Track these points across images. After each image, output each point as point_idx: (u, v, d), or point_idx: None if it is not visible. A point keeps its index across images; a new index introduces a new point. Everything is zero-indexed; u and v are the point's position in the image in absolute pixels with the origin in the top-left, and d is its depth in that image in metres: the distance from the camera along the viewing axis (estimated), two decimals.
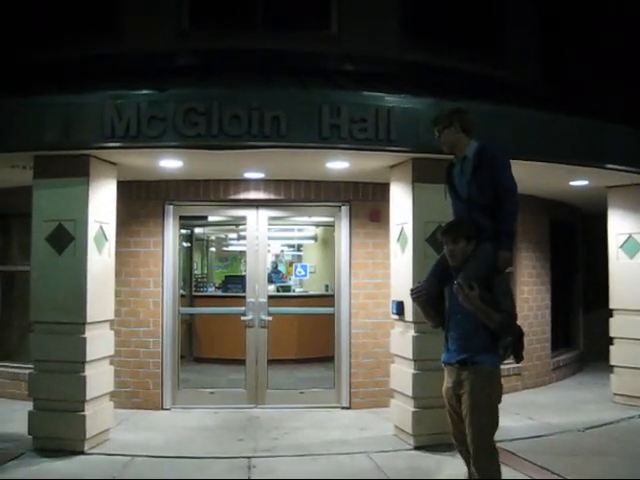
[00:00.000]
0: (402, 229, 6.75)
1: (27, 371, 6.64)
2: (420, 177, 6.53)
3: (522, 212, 9.03)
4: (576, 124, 7.14)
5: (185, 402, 8.03)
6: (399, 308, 6.67)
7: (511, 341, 4.26)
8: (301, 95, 6.38)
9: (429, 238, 6.47)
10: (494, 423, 4.26)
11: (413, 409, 6.41)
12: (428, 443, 6.31)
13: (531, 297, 9.49)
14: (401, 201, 6.81)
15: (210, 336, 10.86)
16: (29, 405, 6.36)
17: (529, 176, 7.53)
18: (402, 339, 6.69)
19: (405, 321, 6.62)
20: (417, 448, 6.31)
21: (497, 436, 4.23)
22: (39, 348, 6.33)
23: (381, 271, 7.94)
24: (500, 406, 4.27)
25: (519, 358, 4.39)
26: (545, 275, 9.85)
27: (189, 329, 10.90)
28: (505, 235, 4.41)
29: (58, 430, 6.19)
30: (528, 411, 7.78)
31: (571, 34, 10.41)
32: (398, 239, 6.85)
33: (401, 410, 6.66)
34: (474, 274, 4.24)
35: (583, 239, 11.67)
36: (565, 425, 7.15)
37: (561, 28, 10.20)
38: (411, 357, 6.46)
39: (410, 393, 6.44)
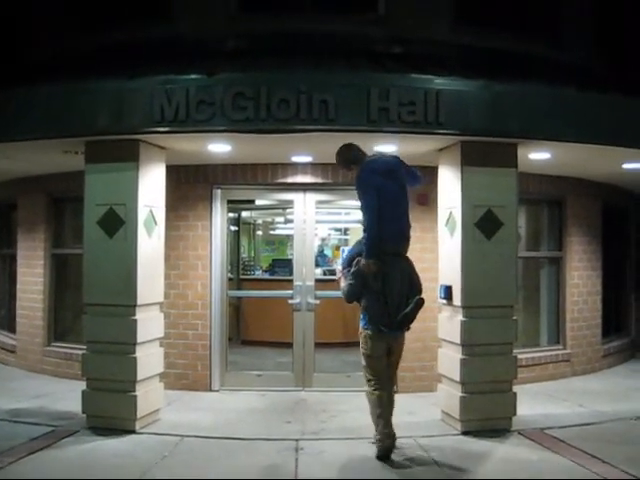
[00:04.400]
0: (451, 213, 6.69)
1: (80, 352, 6.80)
2: (469, 160, 6.47)
3: (572, 196, 9.09)
4: (630, 105, 6.95)
5: (233, 384, 8.13)
6: (447, 292, 6.64)
7: (365, 312, 5.66)
8: (349, 78, 6.33)
9: (478, 222, 6.42)
10: (367, 373, 5.80)
11: (461, 394, 6.38)
12: (475, 428, 6.30)
13: (581, 282, 9.32)
14: (449, 185, 6.75)
15: (257, 319, 10.97)
16: (83, 384, 6.53)
17: (580, 159, 7.39)
18: (450, 324, 6.65)
19: (453, 305, 6.58)
20: (464, 433, 6.30)
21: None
22: (91, 329, 6.48)
23: (428, 255, 7.84)
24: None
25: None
26: (596, 260, 9.65)
27: (236, 312, 11.01)
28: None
29: (110, 409, 6.34)
30: (578, 398, 7.65)
31: (628, 10, 10.04)
32: (447, 223, 6.78)
33: (448, 395, 6.63)
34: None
35: (636, 223, 11.39)
36: (616, 413, 7.01)
37: (616, 4, 9.84)
38: (459, 342, 6.42)
39: (458, 378, 6.41)
